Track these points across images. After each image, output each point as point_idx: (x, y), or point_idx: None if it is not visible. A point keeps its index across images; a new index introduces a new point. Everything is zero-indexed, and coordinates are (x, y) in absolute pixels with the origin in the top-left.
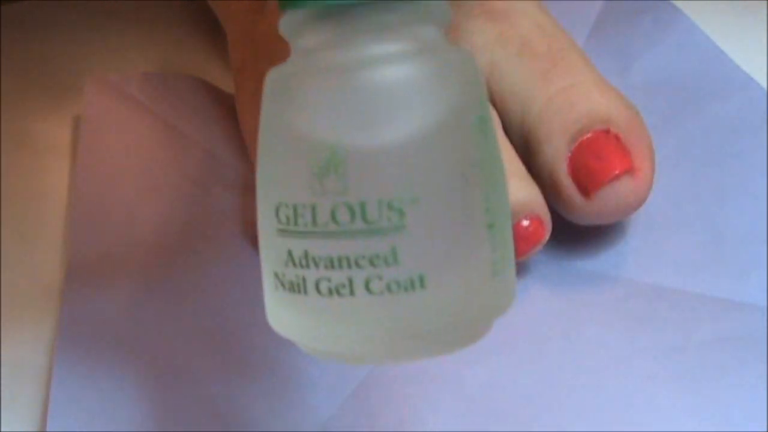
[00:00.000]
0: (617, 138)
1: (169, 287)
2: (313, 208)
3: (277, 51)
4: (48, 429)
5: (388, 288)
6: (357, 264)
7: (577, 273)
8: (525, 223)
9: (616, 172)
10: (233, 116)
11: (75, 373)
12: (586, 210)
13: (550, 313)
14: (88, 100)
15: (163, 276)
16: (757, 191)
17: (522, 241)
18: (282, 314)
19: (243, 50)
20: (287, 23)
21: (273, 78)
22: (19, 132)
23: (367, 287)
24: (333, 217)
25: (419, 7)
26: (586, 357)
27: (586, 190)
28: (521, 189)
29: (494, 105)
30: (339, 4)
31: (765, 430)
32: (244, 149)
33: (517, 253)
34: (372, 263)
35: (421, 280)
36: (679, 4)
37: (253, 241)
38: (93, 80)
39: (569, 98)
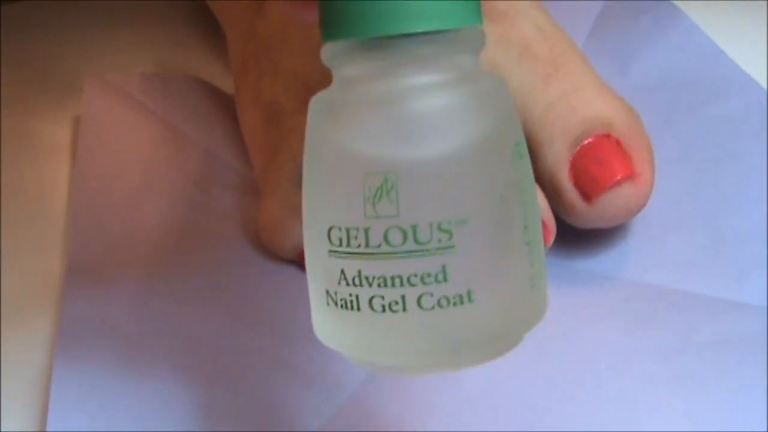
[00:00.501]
0: (618, 143)
1: (168, 287)
2: (366, 231)
3: (277, 51)
4: (48, 429)
5: (439, 304)
6: (409, 282)
7: (577, 273)
8: None
9: (618, 177)
10: (233, 116)
11: (75, 373)
12: (587, 215)
13: (549, 313)
14: (88, 100)
15: (162, 275)
16: (757, 192)
17: None
18: (332, 329)
19: (243, 51)
20: (329, 52)
21: (318, 105)
22: (19, 132)
23: (419, 303)
24: (386, 239)
25: (456, 38)
26: (585, 357)
27: (587, 196)
28: None
29: None
30: (380, 36)
31: (765, 430)
32: (244, 149)
33: None
34: (423, 281)
35: (469, 295)
36: (679, 4)
37: (252, 239)
38: (93, 80)
39: (570, 103)
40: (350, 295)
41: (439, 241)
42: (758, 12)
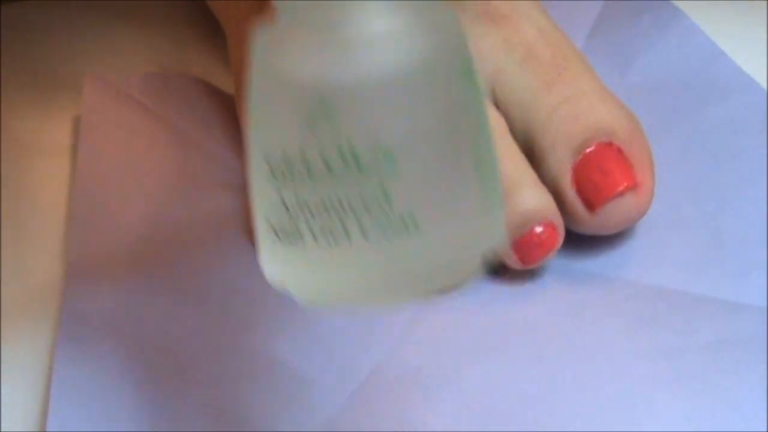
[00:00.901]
0: (620, 151)
1: (169, 287)
2: (304, 155)
3: None
4: (48, 429)
5: (383, 231)
6: (351, 208)
7: (578, 274)
8: (538, 229)
9: (621, 188)
10: (233, 116)
11: (75, 373)
12: (589, 222)
13: (550, 313)
14: (88, 100)
15: (163, 276)
16: (758, 193)
17: (536, 248)
18: (276, 264)
19: (244, 51)
20: None
21: (259, 35)
22: (19, 132)
23: (361, 230)
24: (324, 162)
25: None
26: (586, 358)
27: (590, 204)
28: (534, 196)
29: (498, 110)
30: None
31: (765, 431)
32: (244, 149)
33: (531, 259)
34: (365, 206)
35: (414, 220)
36: (679, 4)
37: (254, 240)
38: (93, 80)
39: (573, 109)
40: (290, 224)
41: (381, 164)
42: (758, 12)
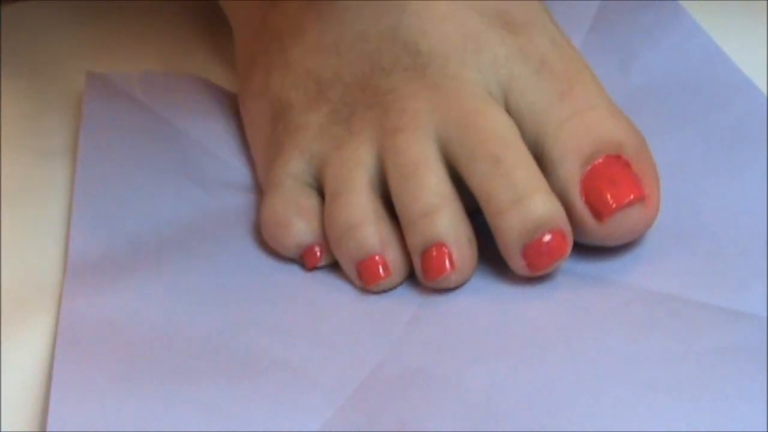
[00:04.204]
0: (628, 164)
1: (169, 286)
2: None
3: (290, 46)
4: (48, 429)
5: None
6: None
7: (578, 278)
8: (547, 237)
9: (630, 198)
10: (234, 114)
11: (75, 373)
12: (596, 232)
13: (550, 316)
14: (88, 100)
15: (163, 275)
16: (758, 202)
17: (545, 255)
18: None
19: (252, 44)
20: None
21: None
22: (19, 132)
23: None
24: None
25: None
26: (586, 361)
27: (598, 214)
28: (546, 203)
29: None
30: None
31: None
32: (245, 147)
33: (539, 266)
34: None
35: None
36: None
37: (253, 238)
38: (93, 79)
39: (584, 122)
40: None
41: None
42: (758, 12)
